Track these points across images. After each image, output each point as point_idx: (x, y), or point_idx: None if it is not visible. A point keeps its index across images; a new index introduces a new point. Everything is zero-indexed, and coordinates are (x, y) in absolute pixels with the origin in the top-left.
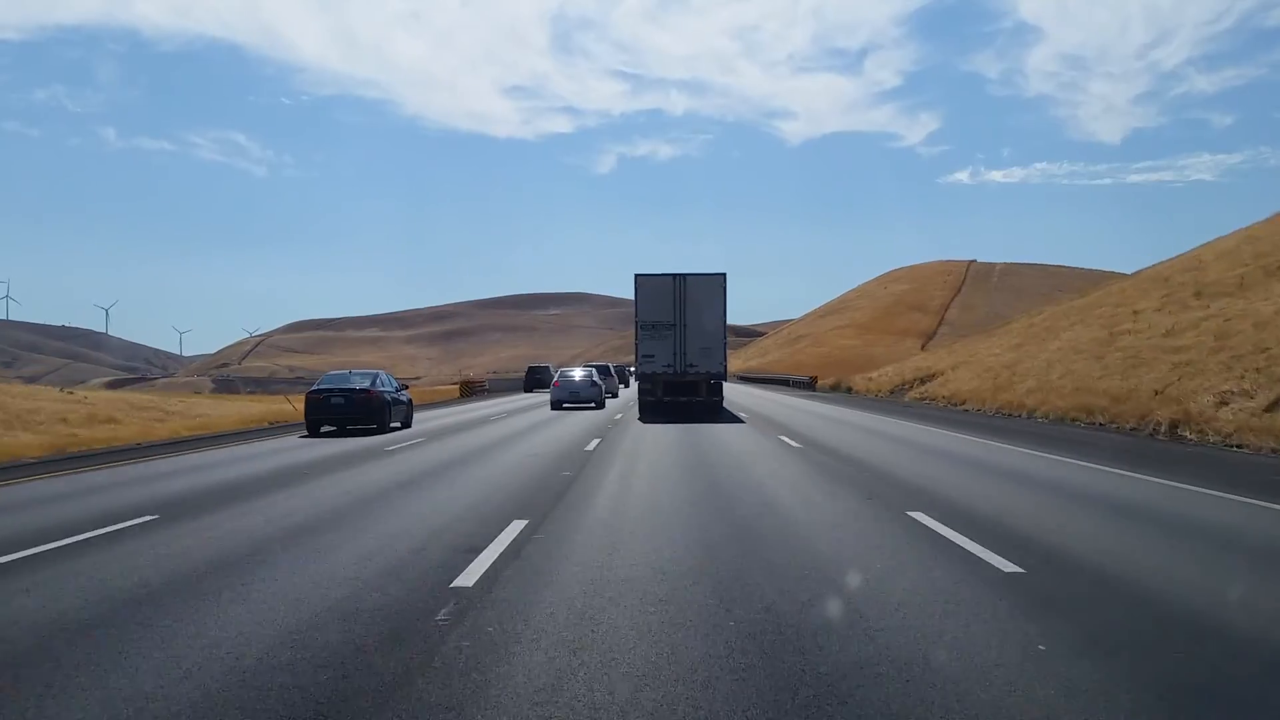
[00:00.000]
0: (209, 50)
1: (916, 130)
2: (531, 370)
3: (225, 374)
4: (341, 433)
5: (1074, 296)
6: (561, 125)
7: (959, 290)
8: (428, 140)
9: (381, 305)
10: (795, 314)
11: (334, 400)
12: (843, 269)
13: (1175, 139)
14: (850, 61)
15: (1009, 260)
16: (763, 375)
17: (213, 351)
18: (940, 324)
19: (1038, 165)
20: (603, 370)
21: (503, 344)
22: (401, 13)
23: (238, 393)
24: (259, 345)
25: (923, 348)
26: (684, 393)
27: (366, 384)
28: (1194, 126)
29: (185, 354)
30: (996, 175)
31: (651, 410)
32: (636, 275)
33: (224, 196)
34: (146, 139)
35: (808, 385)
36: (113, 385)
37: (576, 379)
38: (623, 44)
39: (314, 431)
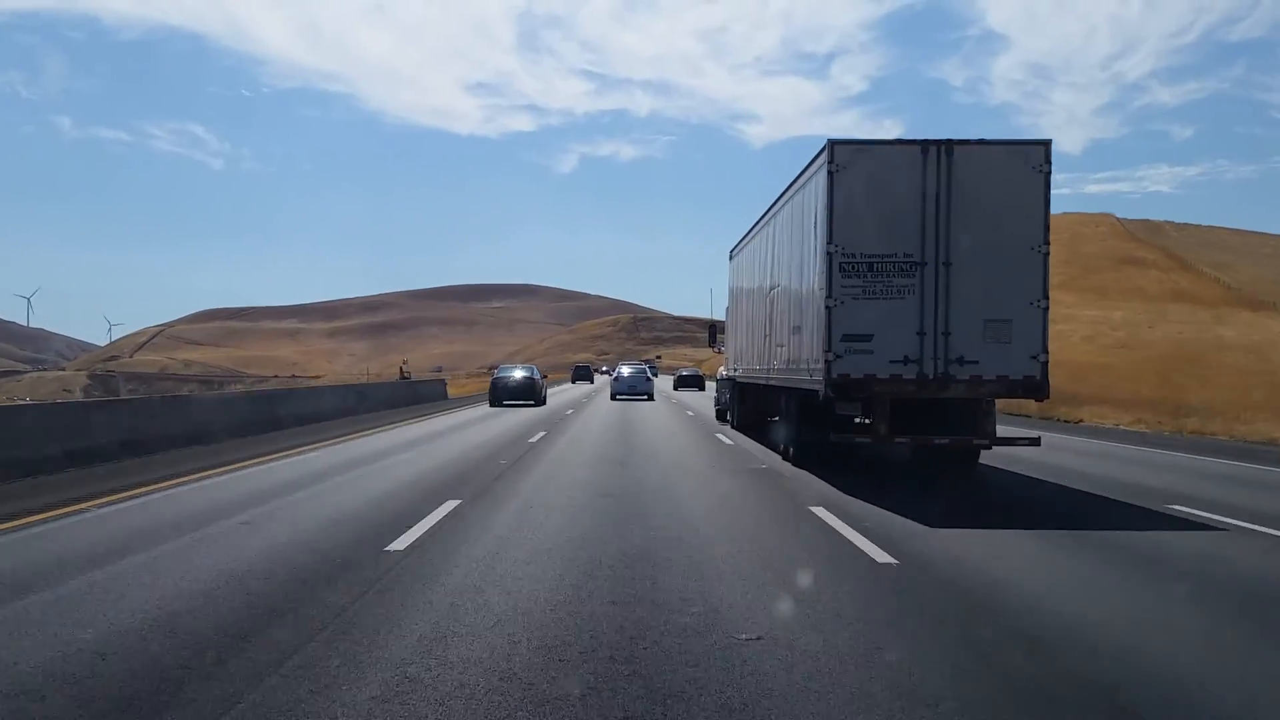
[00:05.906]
0: (170, 39)
1: (880, 136)
2: (577, 368)
3: (109, 369)
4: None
5: None
6: (524, 123)
7: (1141, 242)
8: (389, 136)
9: (317, 297)
10: None
11: (510, 384)
12: None
13: (1135, 150)
14: (817, 66)
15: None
16: None
17: (105, 344)
18: (1204, 284)
19: None
20: (651, 368)
21: (439, 338)
22: (367, 7)
23: (117, 391)
24: (157, 336)
25: None
26: (938, 426)
27: (528, 373)
28: (1154, 138)
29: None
30: None
31: (825, 457)
32: (832, 143)
33: (177, 188)
34: (103, 128)
35: None
36: None
37: (628, 375)
38: (589, 43)
39: (493, 404)
